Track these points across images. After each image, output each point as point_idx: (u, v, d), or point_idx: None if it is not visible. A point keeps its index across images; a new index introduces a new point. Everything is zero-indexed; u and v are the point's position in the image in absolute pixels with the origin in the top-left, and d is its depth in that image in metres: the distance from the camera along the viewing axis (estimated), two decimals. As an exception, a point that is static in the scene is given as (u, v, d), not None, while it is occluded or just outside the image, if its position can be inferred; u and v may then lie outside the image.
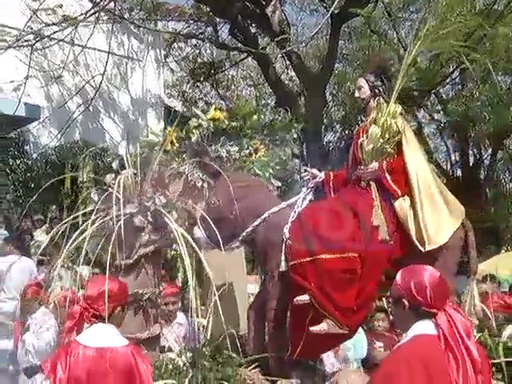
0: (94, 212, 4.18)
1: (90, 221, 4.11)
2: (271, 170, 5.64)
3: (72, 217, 4.34)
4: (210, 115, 5.38)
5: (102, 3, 12.52)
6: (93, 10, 12.52)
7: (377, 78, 4.70)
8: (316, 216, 4.38)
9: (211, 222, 4.35)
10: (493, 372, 4.28)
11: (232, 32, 15.31)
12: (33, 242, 9.65)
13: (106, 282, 3.60)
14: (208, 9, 15.52)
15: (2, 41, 11.07)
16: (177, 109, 16.68)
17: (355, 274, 4.19)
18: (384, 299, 5.70)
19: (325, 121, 17.40)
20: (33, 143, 13.12)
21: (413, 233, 4.31)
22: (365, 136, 4.57)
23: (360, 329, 4.88)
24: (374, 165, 4.49)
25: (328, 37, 15.42)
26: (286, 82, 17.41)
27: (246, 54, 17.18)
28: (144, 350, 4.06)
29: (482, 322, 4.98)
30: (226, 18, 14.86)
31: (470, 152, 19.16)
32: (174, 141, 5.36)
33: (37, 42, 11.93)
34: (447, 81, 16.59)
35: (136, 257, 4.27)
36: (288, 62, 16.06)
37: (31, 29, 11.79)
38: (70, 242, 4.07)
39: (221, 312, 3.99)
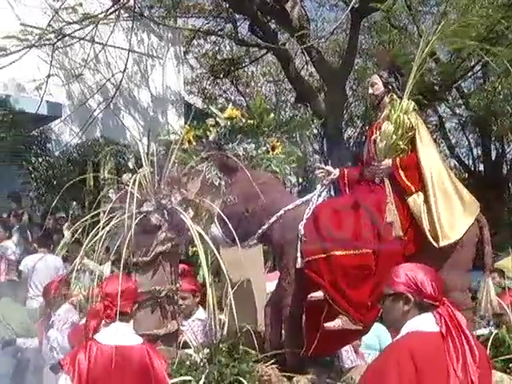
0: (109, 210, 4.24)
1: (104, 220, 4.17)
2: (288, 167, 5.67)
3: (90, 215, 4.41)
4: (226, 114, 5.42)
5: (122, 1, 12.62)
6: (113, 8, 12.64)
7: (390, 74, 4.69)
8: (330, 213, 4.38)
9: (228, 220, 4.40)
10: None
11: (251, 28, 15.33)
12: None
13: (123, 280, 3.69)
14: (227, 5, 15.57)
15: (25, 40, 11.21)
16: (197, 105, 16.74)
17: (369, 271, 4.19)
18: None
19: (345, 116, 17.37)
20: (55, 141, 13.28)
21: (427, 229, 4.29)
22: (378, 132, 4.55)
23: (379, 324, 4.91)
24: (388, 161, 4.48)
25: (348, 32, 15.35)
26: (306, 78, 17.39)
27: (265, 50, 17.19)
28: (161, 346, 4.14)
29: (499, 318, 4.91)
30: (246, 14, 14.85)
31: (493, 146, 19.00)
32: (192, 139, 5.42)
33: (58, 40, 12.06)
34: (469, 75, 16.42)
35: (153, 254, 4.32)
36: (308, 58, 16.00)
37: (52, 28, 11.92)
38: (87, 240, 4.14)
39: (237, 308, 4.02)
